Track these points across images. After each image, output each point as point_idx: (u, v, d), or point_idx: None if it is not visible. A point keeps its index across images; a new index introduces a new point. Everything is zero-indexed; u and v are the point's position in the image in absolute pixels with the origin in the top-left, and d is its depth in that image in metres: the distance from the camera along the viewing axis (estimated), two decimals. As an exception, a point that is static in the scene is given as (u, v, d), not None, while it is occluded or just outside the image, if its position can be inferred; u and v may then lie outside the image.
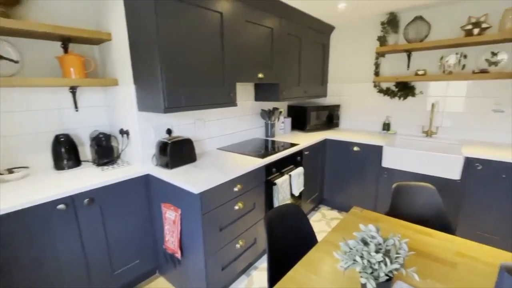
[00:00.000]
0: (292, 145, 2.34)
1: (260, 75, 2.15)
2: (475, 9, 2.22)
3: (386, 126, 2.84)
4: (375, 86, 2.88)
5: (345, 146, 2.66)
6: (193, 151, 1.85)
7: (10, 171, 1.54)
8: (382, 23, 2.63)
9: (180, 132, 2.01)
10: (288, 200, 2.13)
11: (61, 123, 1.76)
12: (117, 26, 1.64)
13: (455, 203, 2.13)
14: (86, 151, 1.87)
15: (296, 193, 2.23)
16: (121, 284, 1.69)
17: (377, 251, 0.78)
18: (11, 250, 1.22)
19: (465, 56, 2.32)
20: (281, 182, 2.00)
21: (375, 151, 2.47)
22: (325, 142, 2.78)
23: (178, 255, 1.61)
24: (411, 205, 1.56)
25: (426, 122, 2.64)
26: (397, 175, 2.37)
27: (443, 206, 1.47)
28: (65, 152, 1.69)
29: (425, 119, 2.64)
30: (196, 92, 1.66)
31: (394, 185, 1.60)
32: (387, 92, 2.78)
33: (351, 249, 0.81)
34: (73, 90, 1.77)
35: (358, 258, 0.77)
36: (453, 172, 2.08)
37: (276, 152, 2.09)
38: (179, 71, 1.54)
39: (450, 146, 2.43)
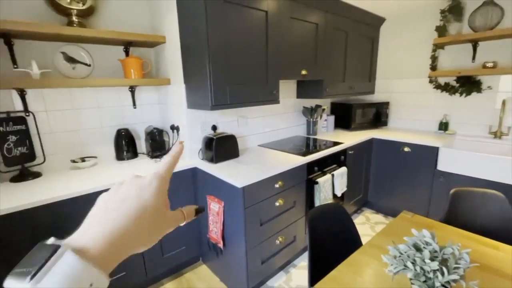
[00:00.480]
0: (335, 143, 2.27)
1: (304, 72, 2.12)
2: None
3: (443, 126, 2.56)
4: (431, 81, 2.61)
5: (394, 146, 2.48)
6: (236, 147, 1.92)
7: (82, 159, 1.78)
8: (442, 11, 2.38)
9: (224, 128, 2.09)
10: (330, 200, 2.08)
11: (122, 118, 1.98)
12: (170, 29, 1.77)
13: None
14: (141, 144, 2.07)
15: (339, 194, 2.16)
16: (169, 267, 1.84)
17: (432, 259, 0.72)
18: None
19: (549, 44, 1.97)
20: (323, 181, 1.96)
21: (430, 153, 2.25)
22: (371, 142, 2.63)
23: (221, 245, 1.70)
24: (473, 214, 1.40)
25: (494, 122, 2.31)
26: (455, 179, 2.13)
27: (514, 218, 1.29)
28: (125, 144, 1.90)
29: (493, 118, 2.32)
30: (241, 90, 1.71)
31: (452, 191, 1.45)
32: (445, 88, 2.51)
33: (401, 253, 0.77)
34: (132, 89, 1.97)
35: (409, 264, 0.73)
36: (529, 179, 1.80)
37: (318, 151, 2.04)
38: (225, 70, 1.61)
39: (525, 149, 2.10)
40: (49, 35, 1.47)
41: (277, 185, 1.68)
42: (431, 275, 0.70)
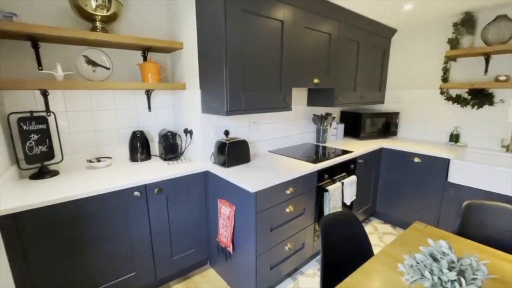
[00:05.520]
0: (345, 152, 2.28)
1: (316, 81, 2.15)
2: None
3: (454, 138, 2.55)
4: (442, 93, 2.62)
5: (404, 156, 2.48)
6: (248, 152, 1.94)
7: (98, 160, 1.83)
8: (455, 24, 2.40)
9: (236, 133, 2.12)
10: (339, 208, 2.08)
11: (137, 121, 2.03)
12: (188, 36, 1.83)
13: (543, 231, 1.81)
14: (155, 146, 2.11)
15: (348, 202, 2.16)
16: (177, 269, 1.85)
17: (449, 269, 0.73)
18: (95, 227, 1.45)
19: None
20: (333, 189, 1.97)
21: (440, 164, 2.25)
22: (380, 151, 2.63)
23: (230, 249, 1.71)
24: (485, 227, 1.39)
25: (506, 135, 2.30)
26: (466, 192, 2.12)
27: (529, 232, 1.27)
28: (139, 146, 1.94)
29: (505, 132, 2.31)
30: (255, 97, 1.75)
31: (465, 203, 1.44)
32: (457, 100, 2.51)
33: (418, 263, 0.78)
34: (148, 93, 2.02)
35: (427, 274, 0.74)
36: (543, 194, 1.78)
37: (327, 158, 2.06)
38: (241, 77, 1.65)
39: (538, 164, 2.08)
40: (75, 39, 1.54)
41: (288, 191, 1.70)
42: (448, 285, 0.71)
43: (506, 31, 2.16)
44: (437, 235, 1.22)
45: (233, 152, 1.83)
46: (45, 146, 1.61)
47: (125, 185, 1.49)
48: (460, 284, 0.69)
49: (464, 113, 2.53)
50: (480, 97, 2.37)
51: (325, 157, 2.11)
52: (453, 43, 2.41)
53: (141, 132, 1.96)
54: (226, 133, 2.02)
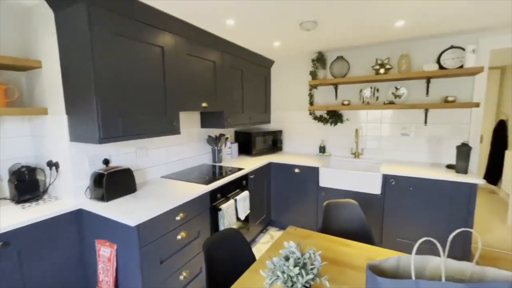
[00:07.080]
0: (240, 169, 2.44)
1: (204, 104, 2.25)
2: (380, 53, 2.75)
3: (322, 149, 3.16)
4: (310, 113, 3.22)
5: (288, 168, 2.87)
6: (133, 181, 1.80)
7: None
8: (313, 60, 3.03)
9: (120, 161, 1.94)
10: (234, 225, 2.18)
11: (-28, 156, 1.56)
12: (48, 54, 1.58)
13: (379, 215, 2.45)
14: (3, 187, 1.66)
15: (242, 217, 2.29)
16: None
17: (296, 265, 0.88)
18: None
19: (377, 90, 2.81)
20: (226, 207, 2.05)
21: (313, 172, 2.72)
22: (269, 165, 2.96)
23: (114, 295, 1.50)
24: (340, 220, 1.76)
25: (353, 145, 3.03)
26: (332, 193, 2.63)
27: (365, 219, 1.70)
28: (-26, 190, 1.48)
29: (352, 142, 3.04)
30: (136, 121, 1.66)
31: (325, 203, 1.79)
32: (320, 119, 3.14)
33: (275, 266, 0.90)
34: (-10, 119, 1.60)
35: (279, 273, 0.87)
36: (375, 187, 2.42)
37: (221, 178, 2.15)
38: (116, 101, 1.54)
39: (372, 165, 2.83)
40: None
41: (178, 218, 1.66)
42: (295, 279, 0.86)
43: (344, 68, 2.90)
44: (302, 235, 1.45)
45: (114, 183, 1.65)
46: None
47: None
48: (302, 276, 0.85)
49: (326, 129, 3.18)
50: (334, 116, 3.05)
51: (220, 176, 2.19)
52: (313, 74, 3.04)
53: (-22, 171, 1.51)
54: (106, 162, 1.82)
